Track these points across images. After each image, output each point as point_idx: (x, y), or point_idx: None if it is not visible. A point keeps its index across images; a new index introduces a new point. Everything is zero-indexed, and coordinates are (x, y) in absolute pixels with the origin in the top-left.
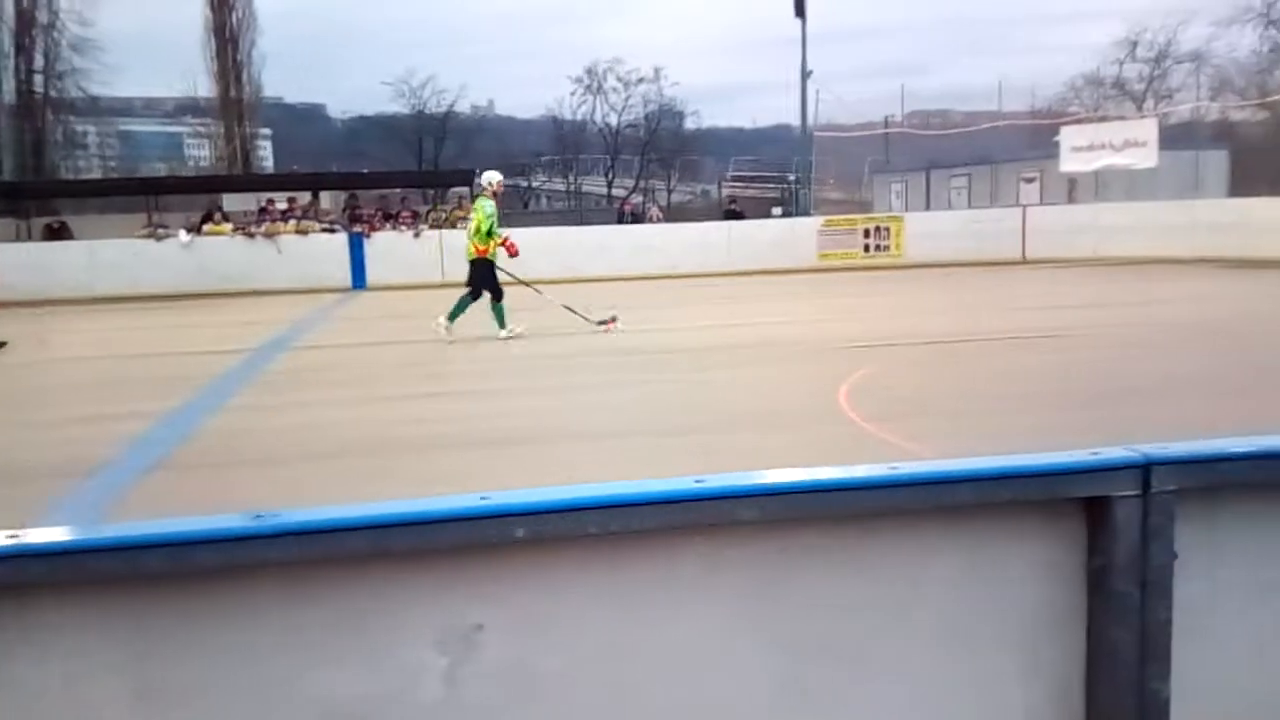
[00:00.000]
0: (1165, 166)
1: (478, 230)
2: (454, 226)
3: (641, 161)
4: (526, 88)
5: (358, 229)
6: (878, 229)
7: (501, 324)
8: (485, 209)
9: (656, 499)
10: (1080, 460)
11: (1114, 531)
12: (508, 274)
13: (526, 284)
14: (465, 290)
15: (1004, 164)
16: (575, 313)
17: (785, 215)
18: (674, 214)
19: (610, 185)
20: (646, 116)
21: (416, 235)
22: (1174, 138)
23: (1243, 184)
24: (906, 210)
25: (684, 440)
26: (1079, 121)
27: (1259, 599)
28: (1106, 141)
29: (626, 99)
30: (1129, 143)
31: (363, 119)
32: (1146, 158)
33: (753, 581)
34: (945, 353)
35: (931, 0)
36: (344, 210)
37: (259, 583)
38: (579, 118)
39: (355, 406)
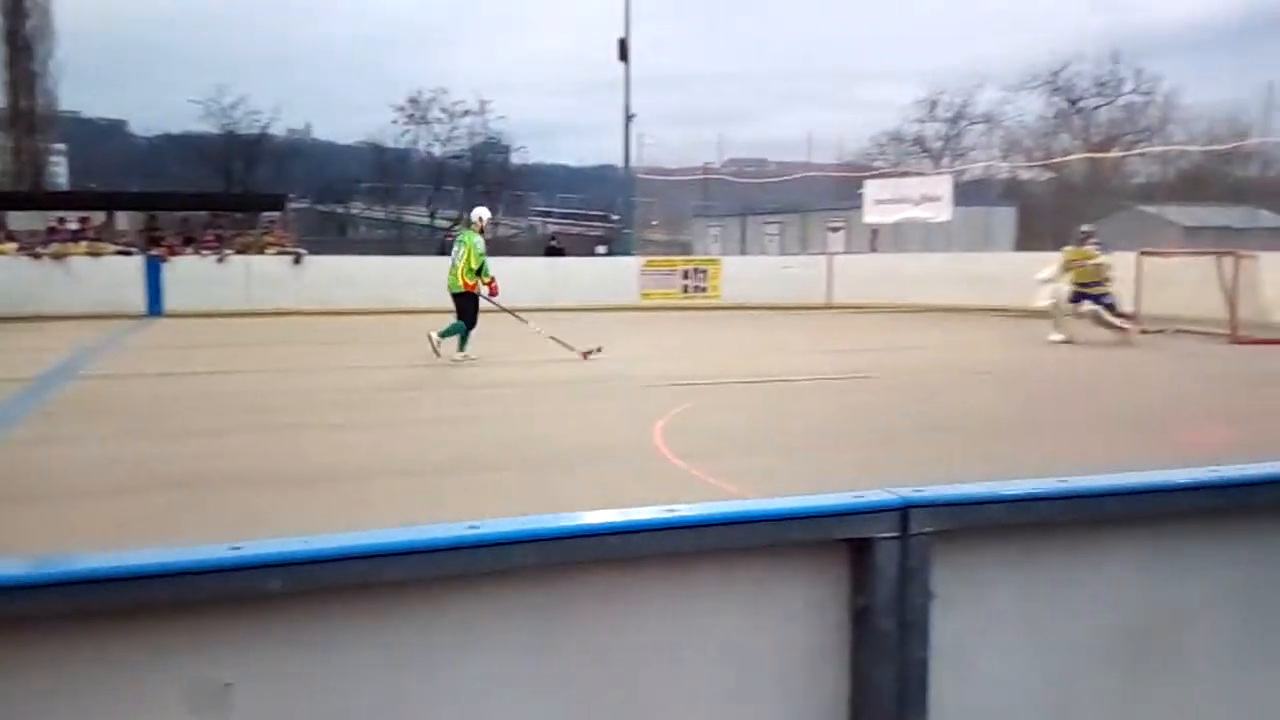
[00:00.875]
0: (959, 220)
1: (468, 266)
2: (262, 252)
3: (465, 193)
4: (347, 113)
5: (156, 252)
6: (696, 270)
7: (447, 336)
8: (477, 246)
9: (428, 546)
10: (844, 503)
11: (875, 572)
12: (495, 305)
13: (512, 313)
14: (465, 325)
15: (814, 213)
16: (561, 343)
17: (609, 254)
18: (498, 247)
19: (433, 216)
20: (472, 149)
21: (220, 260)
22: (967, 194)
23: (1029, 239)
24: (724, 254)
25: (492, 477)
26: (882, 175)
27: (1011, 638)
28: (906, 195)
29: (451, 130)
30: (926, 197)
31: (168, 137)
32: (942, 212)
33: (531, 630)
34: (758, 392)
35: (749, 53)
36: (142, 232)
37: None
38: (402, 146)
39: (141, 441)
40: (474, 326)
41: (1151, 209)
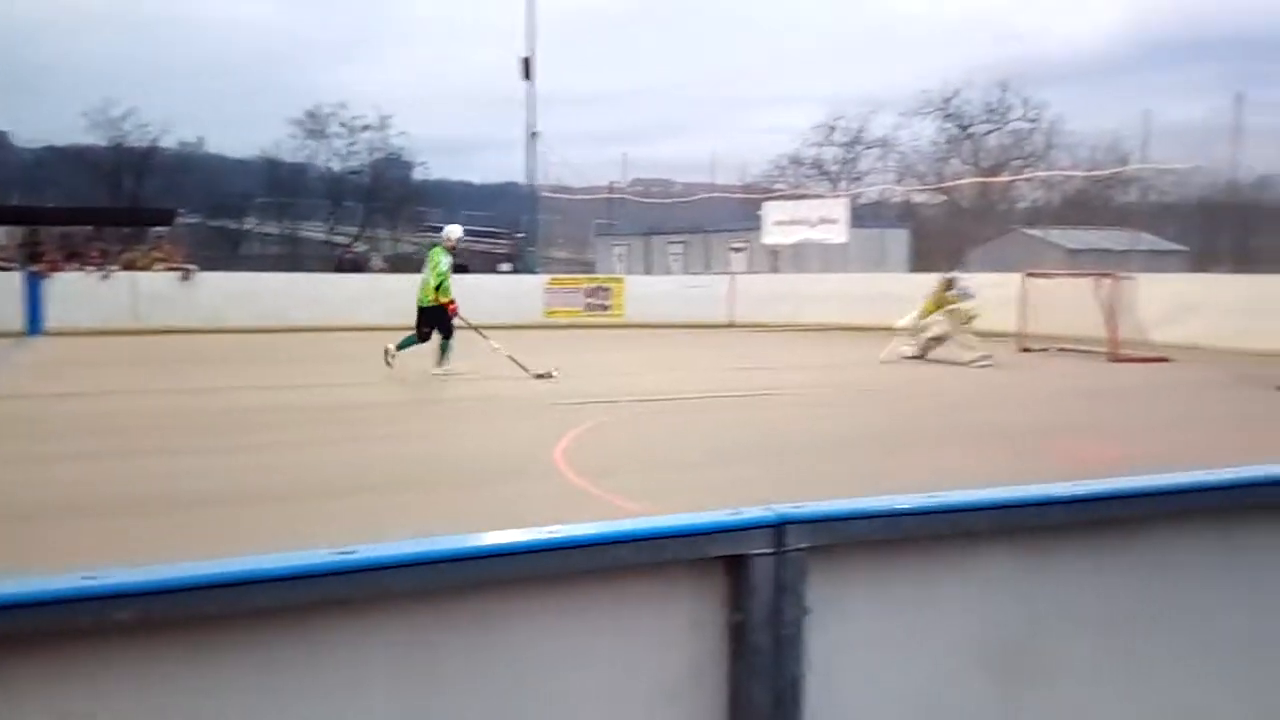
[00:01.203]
0: (855, 242)
1: (434, 283)
2: (149, 268)
3: (365, 209)
4: (241, 127)
5: (36, 268)
6: (600, 289)
7: (402, 347)
8: (441, 264)
9: (298, 572)
10: (721, 520)
11: (751, 588)
12: (462, 320)
13: (476, 329)
14: (441, 338)
15: (716, 233)
16: (517, 363)
17: (513, 272)
18: (399, 264)
19: (331, 232)
20: (372, 164)
21: (105, 277)
22: (863, 216)
23: (922, 260)
24: (628, 272)
25: (384, 499)
26: (782, 198)
27: (884, 652)
28: (804, 217)
29: (350, 145)
30: (824, 219)
31: (52, 149)
32: (839, 234)
33: (407, 658)
34: (660, 410)
35: (652, 74)
36: (21, 247)
37: None
38: (299, 160)
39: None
40: (449, 337)
41: (1037, 232)
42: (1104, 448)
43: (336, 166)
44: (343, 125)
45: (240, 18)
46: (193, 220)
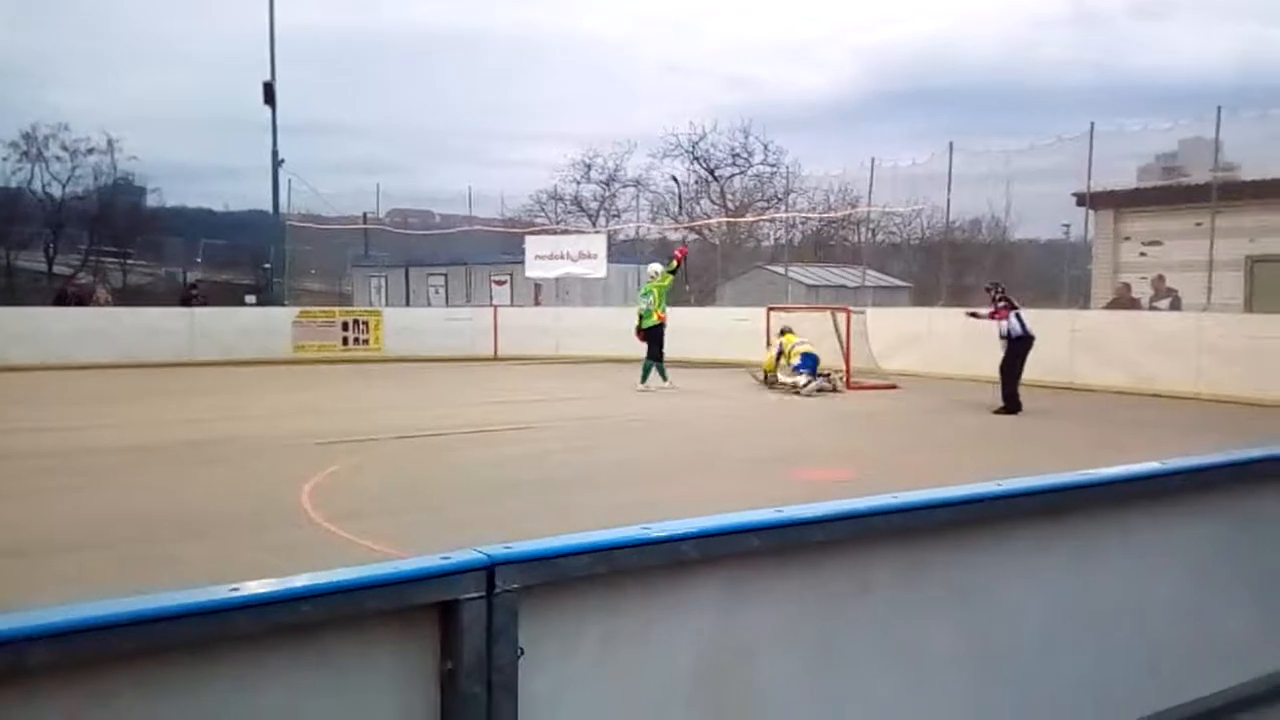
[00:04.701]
0: (614, 277)
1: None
2: None
3: (90, 238)
4: None
5: None
6: (357, 322)
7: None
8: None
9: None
10: (430, 566)
11: (462, 634)
12: None
13: None
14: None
15: (478, 266)
16: None
17: (259, 304)
18: (129, 297)
19: (51, 262)
20: (98, 189)
21: None
22: (621, 252)
23: (675, 295)
24: (387, 305)
25: (102, 555)
26: (543, 232)
27: (599, 687)
28: (565, 252)
29: (73, 169)
30: (583, 254)
31: None
32: (598, 269)
33: None
34: (416, 447)
35: (402, 107)
36: None
37: None
38: (13, 186)
39: None
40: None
41: (779, 269)
42: (838, 472)
43: (57, 192)
44: (64, 148)
45: None
46: None
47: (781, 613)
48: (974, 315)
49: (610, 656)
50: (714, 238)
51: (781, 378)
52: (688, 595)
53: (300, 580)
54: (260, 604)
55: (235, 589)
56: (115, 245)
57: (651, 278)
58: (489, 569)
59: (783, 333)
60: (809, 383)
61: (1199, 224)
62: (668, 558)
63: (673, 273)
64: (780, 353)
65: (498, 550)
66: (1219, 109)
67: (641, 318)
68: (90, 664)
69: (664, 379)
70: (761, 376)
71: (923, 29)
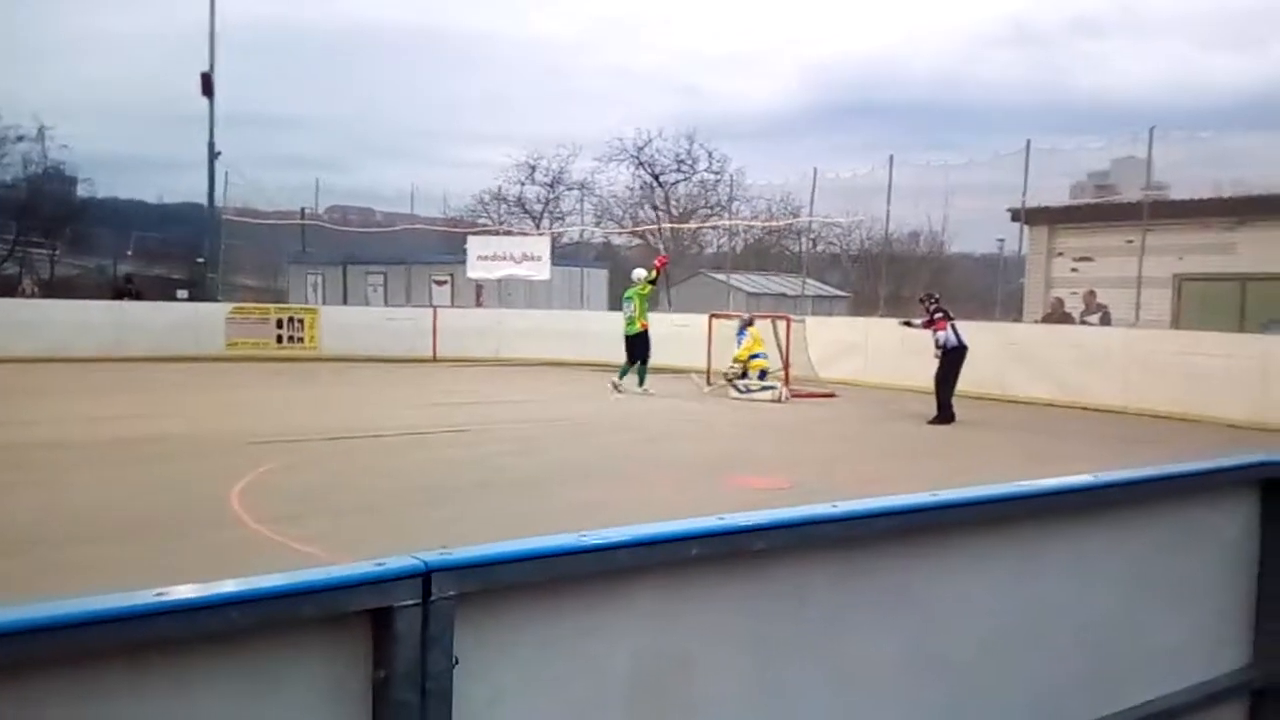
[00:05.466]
0: (557, 280)
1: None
2: None
3: (17, 228)
4: None
5: None
6: (293, 319)
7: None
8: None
9: None
10: (364, 571)
11: (395, 642)
12: None
13: None
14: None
15: (418, 265)
16: None
17: (191, 299)
18: (56, 289)
19: None
20: (28, 178)
21: None
22: (565, 255)
23: (619, 299)
24: (324, 303)
25: (21, 559)
26: (486, 233)
27: (537, 697)
28: (508, 253)
29: (1, 157)
30: (527, 256)
31: None
32: (541, 271)
33: None
34: (351, 448)
35: (344, 103)
36: None
37: None
38: None
39: None
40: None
41: (721, 276)
42: (776, 479)
43: None
44: None
45: None
46: None
47: (720, 621)
48: (908, 324)
49: (547, 665)
50: (657, 243)
51: (741, 385)
52: (626, 603)
53: (229, 585)
54: (188, 609)
55: (161, 594)
56: (43, 236)
57: (634, 283)
58: (425, 575)
59: (750, 322)
60: (767, 390)
61: (1130, 241)
62: (606, 565)
63: (653, 281)
64: (750, 349)
65: (434, 557)
66: (1151, 129)
67: (627, 325)
68: (10, 669)
69: (640, 384)
70: (706, 384)
71: (867, 44)
